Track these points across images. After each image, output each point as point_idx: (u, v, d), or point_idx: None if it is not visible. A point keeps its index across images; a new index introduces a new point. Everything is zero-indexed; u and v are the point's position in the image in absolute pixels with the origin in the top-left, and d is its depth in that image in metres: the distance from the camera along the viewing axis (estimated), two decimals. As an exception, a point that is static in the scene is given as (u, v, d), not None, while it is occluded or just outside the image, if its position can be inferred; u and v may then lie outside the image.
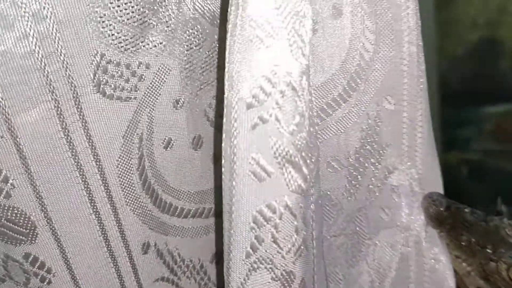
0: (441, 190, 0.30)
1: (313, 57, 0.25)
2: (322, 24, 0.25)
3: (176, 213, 0.28)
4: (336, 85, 0.27)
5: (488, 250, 0.29)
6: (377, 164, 0.29)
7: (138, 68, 0.24)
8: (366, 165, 0.29)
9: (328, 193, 0.28)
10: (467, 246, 0.29)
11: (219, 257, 0.30)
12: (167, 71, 0.25)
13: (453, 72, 1.35)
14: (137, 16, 0.23)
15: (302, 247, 0.22)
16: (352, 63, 0.27)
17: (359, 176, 0.29)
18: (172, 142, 0.28)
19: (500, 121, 1.34)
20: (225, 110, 0.21)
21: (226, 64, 0.20)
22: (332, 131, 0.28)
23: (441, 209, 0.28)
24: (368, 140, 0.28)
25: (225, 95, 0.21)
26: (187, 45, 0.25)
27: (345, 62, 0.27)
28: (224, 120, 0.21)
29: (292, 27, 0.20)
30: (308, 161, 0.22)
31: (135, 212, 0.27)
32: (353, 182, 0.29)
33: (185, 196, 0.29)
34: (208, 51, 0.26)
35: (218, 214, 0.29)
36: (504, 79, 1.32)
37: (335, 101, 0.27)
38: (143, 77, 0.25)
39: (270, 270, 0.22)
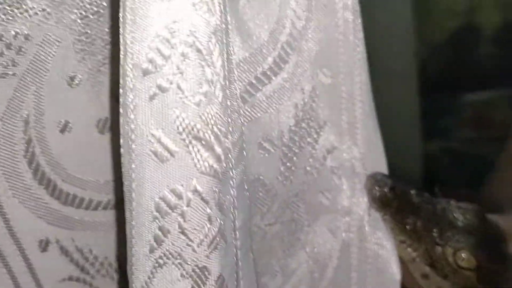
0: (385, 170, 0.28)
1: (238, 25, 0.22)
2: None
3: (83, 205, 0.26)
4: (265, 57, 0.24)
5: (434, 234, 0.27)
6: (314, 143, 0.26)
7: (14, 39, 0.22)
8: (302, 145, 0.26)
9: (261, 177, 0.26)
10: (413, 230, 0.27)
11: None
12: (54, 43, 0.23)
13: (432, 60, 1.34)
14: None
15: (218, 238, 0.20)
16: (282, 32, 0.24)
17: (294, 158, 0.26)
18: (70, 125, 0.25)
19: (479, 108, 1.33)
20: (121, 80, 0.19)
21: (120, 25, 0.18)
22: (262, 108, 0.25)
23: (385, 190, 0.27)
24: (304, 118, 0.26)
25: (121, 63, 0.19)
26: (80, 13, 0.22)
27: (275, 31, 0.24)
28: (121, 91, 0.19)
29: None
30: (222, 138, 0.19)
31: (26, 205, 0.25)
32: (288, 164, 0.26)
33: (92, 186, 0.26)
34: (113, 21, 0.23)
35: None
36: (483, 67, 1.31)
37: (265, 75, 0.24)
38: (22, 49, 0.22)
39: (179, 266, 0.20)
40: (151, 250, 0.20)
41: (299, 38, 0.25)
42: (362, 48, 0.25)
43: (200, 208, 0.19)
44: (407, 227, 0.27)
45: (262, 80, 0.25)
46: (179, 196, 0.19)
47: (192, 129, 0.19)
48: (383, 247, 0.28)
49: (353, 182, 0.28)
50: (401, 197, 0.27)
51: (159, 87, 0.19)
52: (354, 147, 0.28)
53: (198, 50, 0.19)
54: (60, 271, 0.26)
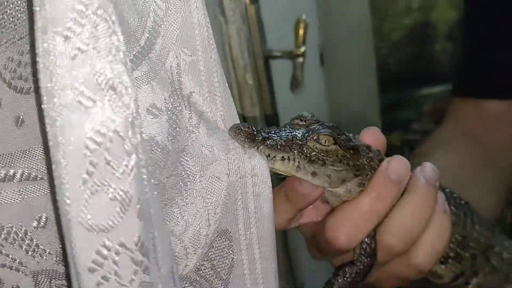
0: (236, 118, 0.35)
1: (115, 11, 0.26)
2: None
3: None
4: (138, 39, 0.29)
5: (298, 138, 0.34)
6: (189, 107, 0.32)
7: None
8: (180, 108, 0.31)
9: (155, 138, 0.30)
10: (282, 145, 0.34)
11: (45, 222, 0.30)
12: None
13: (391, 56, 1.38)
14: None
15: (136, 169, 0.24)
16: (148, 19, 0.29)
17: (177, 120, 0.31)
18: None
19: (436, 101, 1.38)
20: (40, 46, 0.22)
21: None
22: (144, 81, 0.29)
23: (247, 128, 0.32)
24: (175, 88, 0.31)
25: (39, 32, 0.22)
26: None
27: (142, 18, 0.29)
28: (40, 55, 0.22)
29: None
30: (129, 89, 0.24)
31: None
32: (173, 125, 0.31)
33: None
34: None
35: (34, 178, 0.30)
36: (439, 61, 1.36)
37: (141, 53, 0.29)
38: None
39: (107, 191, 0.24)
40: (84, 182, 0.24)
41: (162, 24, 0.29)
42: (210, 29, 0.31)
43: (120, 144, 0.24)
44: (278, 146, 0.33)
45: (139, 58, 0.29)
46: (103, 136, 0.23)
47: (107, 81, 0.23)
48: (256, 175, 0.33)
49: (222, 137, 0.33)
50: (260, 129, 0.33)
51: (79, 49, 0.22)
52: (216, 110, 0.33)
53: (106, 21, 0.23)
54: None
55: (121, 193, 0.24)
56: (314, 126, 0.36)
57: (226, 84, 0.32)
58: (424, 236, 0.37)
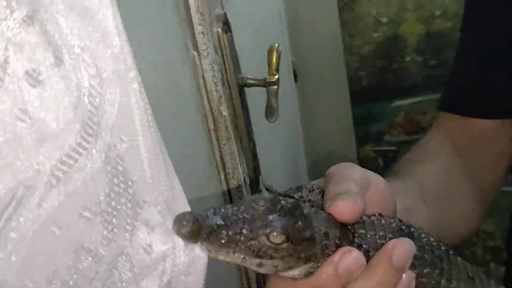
0: (186, 206, 0.32)
1: (41, 109, 0.25)
2: (47, 74, 0.25)
3: None
4: (72, 133, 0.27)
5: (244, 231, 0.31)
6: (128, 202, 0.29)
7: None
8: (119, 206, 0.28)
9: (86, 245, 0.27)
10: (228, 241, 0.31)
11: None
12: None
13: (362, 70, 1.40)
14: None
15: None
16: (83, 109, 0.27)
17: (114, 219, 0.28)
18: None
19: (407, 113, 1.41)
20: None
21: None
22: (77, 181, 0.27)
23: (191, 224, 0.29)
24: (115, 181, 0.28)
25: None
26: None
27: (77, 110, 0.27)
28: None
29: None
30: None
31: None
32: (109, 227, 0.28)
33: None
34: None
35: None
36: (408, 74, 1.39)
37: (75, 151, 0.27)
38: None
39: None
40: None
41: (98, 113, 0.27)
42: (150, 111, 0.29)
43: None
44: (222, 241, 0.30)
45: (73, 156, 0.27)
46: None
47: None
48: (190, 274, 0.31)
49: (165, 229, 0.30)
50: (205, 222, 0.30)
51: None
52: (160, 197, 0.30)
53: None
54: None
55: None
56: (270, 217, 0.32)
57: (172, 167, 0.30)
58: None
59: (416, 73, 1.40)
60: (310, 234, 0.33)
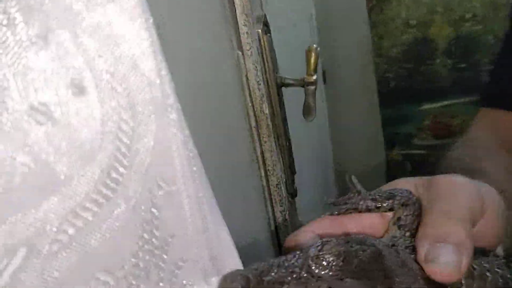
0: (239, 265, 0.27)
1: (50, 150, 0.20)
2: (59, 107, 0.20)
3: None
4: (91, 181, 0.21)
5: None
6: (161, 263, 0.24)
7: None
8: (147, 267, 0.23)
9: None
10: None
11: None
12: None
13: (391, 72, 1.40)
14: None
15: None
16: (109, 149, 0.21)
17: (141, 285, 0.23)
18: None
19: (436, 116, 1.40)
20: None
21: None
22: (99, 236, 0.21)
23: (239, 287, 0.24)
24: (147, 238, 0.23)
25: None
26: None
27: (100, 151, 0.21)
28: None
29: None
30: None
31: None
32: None
33: None
34: None
35: None
36: (438, 77, 1.38)
37: (94, 202, 0.21)
38: None
39: None
40: None
41: (129, 152, 0.22)
42: (192, 145, 0.24)
43: None
44: None
45: (90, 209, 0.21)
46: None
47: None
48: None
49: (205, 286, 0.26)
50: (259, 284, 0.25)
51: None
52: (205, 252, 0.25)
53: None
54: None
55: None
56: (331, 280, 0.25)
57: (220, 215, 0.25)
58: None
59: (445, 76, 1.39)
60: None
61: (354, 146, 1.37)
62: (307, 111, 0.60)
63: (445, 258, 0.27)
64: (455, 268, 0.27)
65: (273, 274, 0.25)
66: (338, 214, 0.32)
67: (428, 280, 0.28)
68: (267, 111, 0.52)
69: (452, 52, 1.36)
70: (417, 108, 1.43)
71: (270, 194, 0.55)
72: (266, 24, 0.58)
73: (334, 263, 0.26)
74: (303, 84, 0.60)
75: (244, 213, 0.51)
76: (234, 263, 0.26)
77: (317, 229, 0.32)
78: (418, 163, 1.47)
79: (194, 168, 0.24)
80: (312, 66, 0.60)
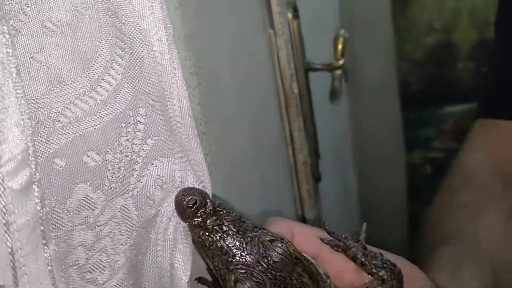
0: (207, 185, 0.31)
1: (57, 56, 0.26)
2: (66, 23, 0.26)
3: None
4: (88, 81, 0.28)
5: (224, 255, 0.28)
6: (140, 156, 0.30)
7: None
8: (128, 156, 0.29)
9: (88, 183, 0.28)
10: (208, 247, 0.28)
11: None
12: None
13: (413, 75, 1.40)
14: None
15: None
16: (105, 60, 0.28)
17: (121, 168, 0.29)
18: None
19: (457, 120, 1.39)
20: None
21: None
22: (87, 125, 0.28)
23: (189, 205, 0.28)
24: (131, 135, 0.29)
25: None
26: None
27: (97, 60, 0.27)
28: None
29: None
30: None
31: None
32: (116, 173, 0.29)
33: None
34: None
35: None
36: (461, 80, 1.38)
37: (90, 97, 0.28)
38: None
39: None
40: None
41: (123, 66, 0.28)
42: (180, 75, 0.28)
43: None
44: (205, 243, 0.28)
45: (86, 101, 0.28)
46: None
47: None
48: (179, 250, 0.31)
49: (170, 192, 0.30)
50: (205, 216, 0.28)
51: None
52: (176, 162, 0.30)
53: None
54: None
55: None
56: (259, 270, 0.28)
57: (197, 137, 0.29)
58: None
59: (468, 80, 1.39)
60: None
61: (374, 148, 1.37)
62: (334, 95, 0.62)
63: None
64: None
65: (225, 220, 0.28)
66: (327, 243, 0.34)
67: None
68: (296, 91, 0.53)
69: (476, 56, 1.36)
70: (438, 111, 1.43)
71: (296, 172, 0.56)
72: (295, 9, 0.60)
73: (269, 259, 0.28)
74: (330, 68, 0.62)
75: (271, 189, 0.53)
76: (201, 183, 0.30)
77: (302, 232, 0.33)
78: (438, 167, 1.46)
79: (177, 96, 0.29)
80: (339, 51, 0.61)
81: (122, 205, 0.30)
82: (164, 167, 0.30)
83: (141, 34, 0.27)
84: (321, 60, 0.65)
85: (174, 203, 0.29)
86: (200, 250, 0.30)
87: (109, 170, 0.29)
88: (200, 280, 0.34)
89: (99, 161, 0.29)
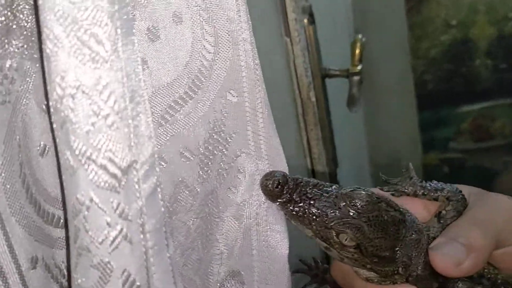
0: (285, 168, 0.33)
1: (157, 61, 0.29)
2: (164, 31, 0.28)
3: (60, 224, 0.28)
4: (181, 84, 0.30)
5: (319, 217, 0.31)
6: (224, 150, 0.32)
7: (8, 71, 0.25)
8: (215, 152, 0.31)
9: (184, 180, 0.31)
10: (303, 216, 0.31)
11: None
12: (31, 75, 0.26)
13: (429, 74, 1.37)
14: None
15: (119, 239, 0.23)
16: (195, 64, 0.30)
17: (209, 163, 0.31)
18: (47, 148, 0.27)
19: (475, 120, 1.36)
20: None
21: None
22: (181, 125, 0.30)
23: (275, 186, 0.30)
24: (215, 131, 0.31)
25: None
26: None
27: (189, 63, 0.30)
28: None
29: (75, 35, 0.22)
30: (117, 160, 0.23)
31: (21, 223, 0.26)
32: (205, 168, 0.31)
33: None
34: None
35: None
36: (478, 79, 1.34)
37: (182, 99, 0.30)
38: (13, 79, 0.25)
39: (88, 257, 0.24)
40: (75, 241, 0.24)
41: (210, 68, 0.30)
42: (260, 71, 0.31)
43: (98, 214, 0.23)
44: (298, 214, 0.31)
45: (179, 103, 0.30)
46: (81, 203, 0.23)
47: (85, 152, 0.23)
48: (273, 230, 0.33)
49: (254, 179, 0.32)
50: (292, 190, 0.31)
51: (64, 119, 0.23)
52: (258, 151, 0.32)
53: (84, 92, 0.22)
54: (45, 287, 0.28)
55: (101, 263, 0.23)
56: (353, 218, 0.31)
57: (274, 126, 0.32)
58: None
59: (486, 77, 1.36)
60: (387, 256, 0.31)
61: (390, 149, 1.34)
62: (352, 101, 0.60)
63: (448, 250, 0.29)
64: (453, 262, 0.29)
65: (307, 188, 0.31)
66: (387, 191, 0.35)
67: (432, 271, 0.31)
68: (313, 99, 0.51)
69: (494, 52, 1.32)
70: (455, 110, 1.39)
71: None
72: (311, 15, 0.58)
73: (357, 205, 0.31)
74: (347, 74, 0.60)
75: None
76: (281, 165, 0.33)
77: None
78: (456, 167, 1.43)
79: (259, 89, 0.31)
80: (357, 57, 0.59)
81: (210, 198, 0.32)
82: (245, 158, 0.33)
83: (229, 35, 0.30)
84: (337, 66, 0.63)
85: (260, 189, 0.31)
86: (296, 222, 0.32)
87: (199, 165, 0.31)
88: (302, 261, 0.38)
89: (192, 158, 0.31)
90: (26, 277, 0.26)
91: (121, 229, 0.23)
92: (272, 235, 0.33)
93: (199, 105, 0.30)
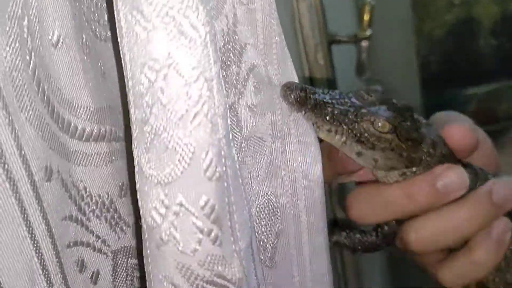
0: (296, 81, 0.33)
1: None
2: None
3: (77, 135, 0.24)
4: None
5: (350, 116, 0.31)
6: (238, 62, 0.30)
7: None
8: (229, 63, 0.29)
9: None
10: (332, 118, 0.31)
11: (126, 188, 0.27)
12: None
13: (433, 54, 1.34)
14: None
15: (198, 117, 0.22)
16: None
17: (224, 73, 0.29)
18: (61, 39, 0.23)
19: (481, 102, 1.33)
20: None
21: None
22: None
23: (298, 92, 0.30)
24: (229, 40, 0.29)
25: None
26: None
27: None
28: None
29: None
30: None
31: (32, 124, 0.21)
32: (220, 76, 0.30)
33: (84, 113, 0.24)
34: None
35: (119, 138, 0.27)
36: (483, 59, 1.31)
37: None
38: None
39: (165, 139, 0.22)
40: (144, 127, 0.23)
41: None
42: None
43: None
44: (327, 117, 0.31)
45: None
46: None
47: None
48: (301, 142, 0.32)
49: (272, 92, 0.31)
50: (313, 93, 0.31)
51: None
52: (270, 65, 0.31)
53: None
54: (62, 208, 0.24)
55: (180, 143, 0.22)
56: (378, 107, 0.32)
57: (283, 36, 0.30)
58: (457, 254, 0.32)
59: (490, 58, 1.32)
60: (417, 136, 0.32)
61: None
62: (360, 68, 0.57)
63: (460, 122, 0.34)
64: (468, 130, 0.33)
65: (331, 92, 0.31)
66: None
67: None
68: (321, 62, 0.48)
69: (498, 32, 1.29)
70: (460, 92, 1.36)
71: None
72: (316, -24, 0.55)
73: (372, 98, 0.32)
74: (355, 40, 0.56)
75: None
76: (292, 79, 0.31)
77: None
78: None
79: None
80: (365, 22, 0.56)
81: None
82: (260, 69, 0.32)
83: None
84: (342, 33, 0.59)
85: (284, 100, 0.31)
86: (327, 126, 0.31)
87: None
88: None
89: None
90: (40, 189, 0.22)
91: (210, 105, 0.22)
92: (303, 158, 0.32)
93: (213, 13, 0.28)
